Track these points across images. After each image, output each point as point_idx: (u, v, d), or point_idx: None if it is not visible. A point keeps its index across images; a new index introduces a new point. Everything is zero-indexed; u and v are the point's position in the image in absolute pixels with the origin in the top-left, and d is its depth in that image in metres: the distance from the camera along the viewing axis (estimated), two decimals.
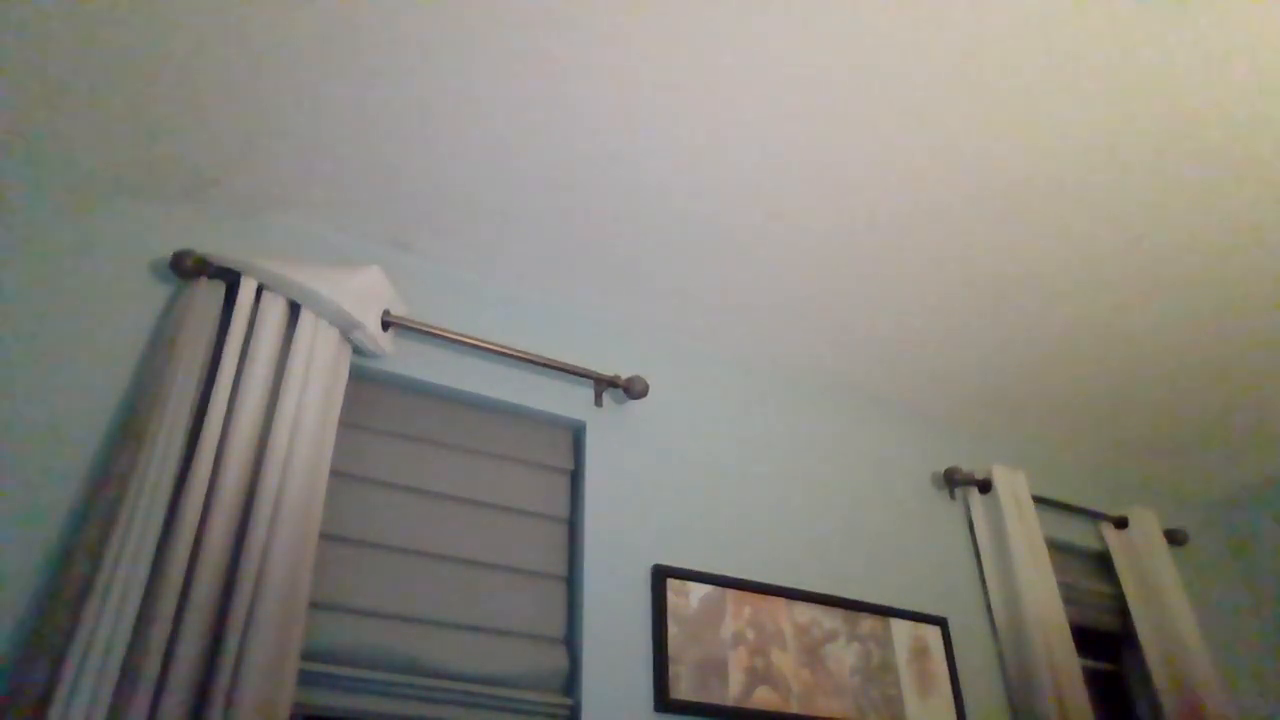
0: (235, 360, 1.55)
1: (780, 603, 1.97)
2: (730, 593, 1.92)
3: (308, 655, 1.49)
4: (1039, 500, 2.51)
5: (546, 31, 1.52)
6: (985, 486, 2.44)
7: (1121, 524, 2.65)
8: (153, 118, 1.65)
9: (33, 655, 1.22)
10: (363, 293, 1.72)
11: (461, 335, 1.88)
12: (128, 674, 1.22)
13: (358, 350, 1.76)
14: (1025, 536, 2.31)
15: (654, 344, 2.25)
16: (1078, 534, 2.62)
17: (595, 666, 1.70)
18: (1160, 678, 2.37)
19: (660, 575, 1.85)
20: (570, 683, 1.70)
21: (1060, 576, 2.47)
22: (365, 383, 1.83)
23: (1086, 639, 2.49)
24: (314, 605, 1.54)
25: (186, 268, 1.65)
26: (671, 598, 1.84)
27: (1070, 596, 2.49)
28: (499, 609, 1.72)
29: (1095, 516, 2.66)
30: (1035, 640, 2.13)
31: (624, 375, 2.14)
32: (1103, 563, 2.66)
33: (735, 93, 1.63)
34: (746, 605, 1.92)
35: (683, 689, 1.74)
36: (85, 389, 1.52)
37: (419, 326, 1.82)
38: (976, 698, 2.10)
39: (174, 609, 1.29)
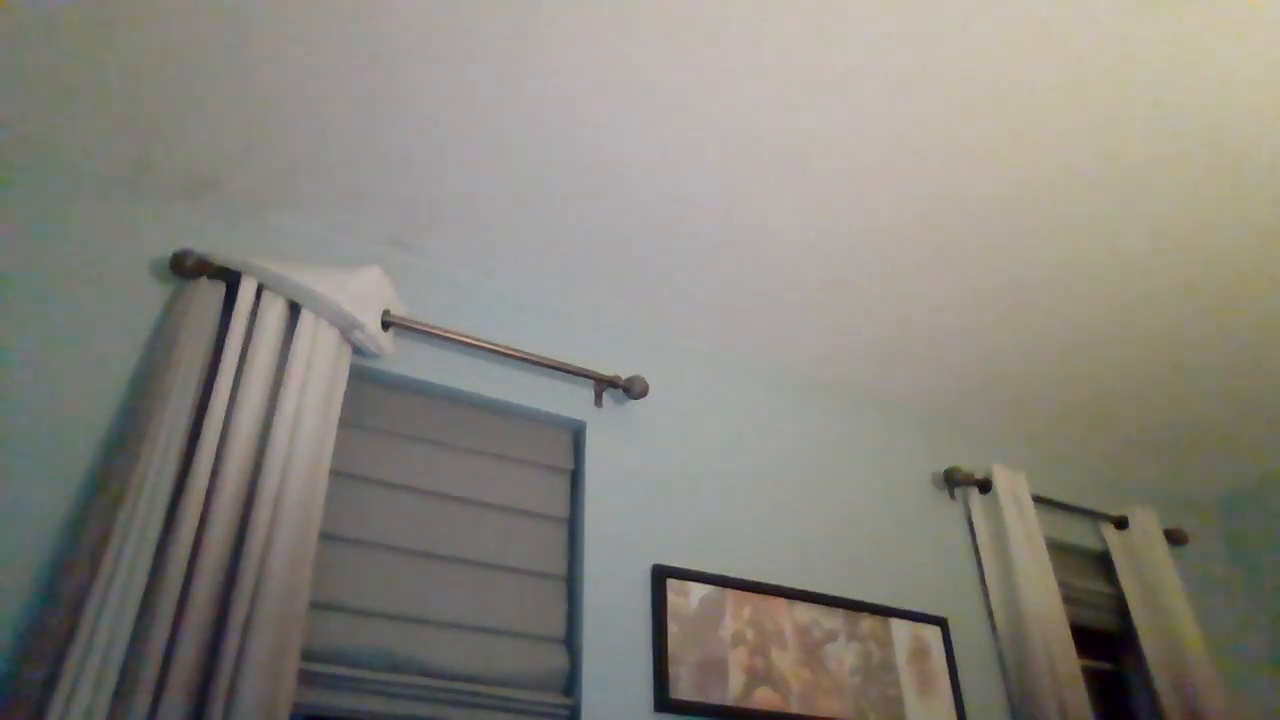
0: (235, 360, 1.55)
1: (780, 603, 1.97)
2: (730, 593, 1.92)
3: (308, 655, 1.49)
4: (1039, 500, 2.51)
5: (547, 31, 1.52)
6: (985, 486, 2.44)
7: (1121, 524, 2.65)
8: (152, 118, 1.65)
9: (33, 655, 1.22)
10: (363, 293, 1.72)
11: (461, 335, 1.88)
12: (128, 674, 1.22)
13: (358, 350, 1.76)
14: (1025, 536, 2.31)
15: (654, 344, 2.25)
16: (1078, 534, 2.62)
17: (595, 666, 1.70)
18: (1160, 678, 2.37)
19: (660, 575, 1.85)
20: (570, 683, 1.70)
21: (1060, 576, 2.47)
22: (365, 383, 1.83)
23: (1086, 639, 2.49)
24: (314, 605, 1.54)
25: (186, 268, 1.65)
26: (671, 598, 1.84)
27: (1070, 596, 2.49)
28: (499, 609, 1.72)
29: (1095, 516, 2.66)
30: (1035, 640, 2.13)
31: (624, 375, 2.13)
32: (1103, 563, 2.66)
33: (737, 93, 1.63)
34: (746, 605, 1.92)
35: (683, 689, 1.74)
36: (85, 389, 1.52)
37: (419, 326, 1.82)
38: (976, 698, 2.10)
39: (174, 609, 1.29)
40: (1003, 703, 2.13)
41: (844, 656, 1.98)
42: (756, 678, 1.84)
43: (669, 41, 1.54)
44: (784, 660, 1.89)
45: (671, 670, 1.75)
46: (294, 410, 1.54)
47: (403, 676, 1.53)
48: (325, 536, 1.62)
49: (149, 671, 1.22)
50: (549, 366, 1.96)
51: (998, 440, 2.72)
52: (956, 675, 2.08)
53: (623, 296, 2.15)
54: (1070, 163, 1.78)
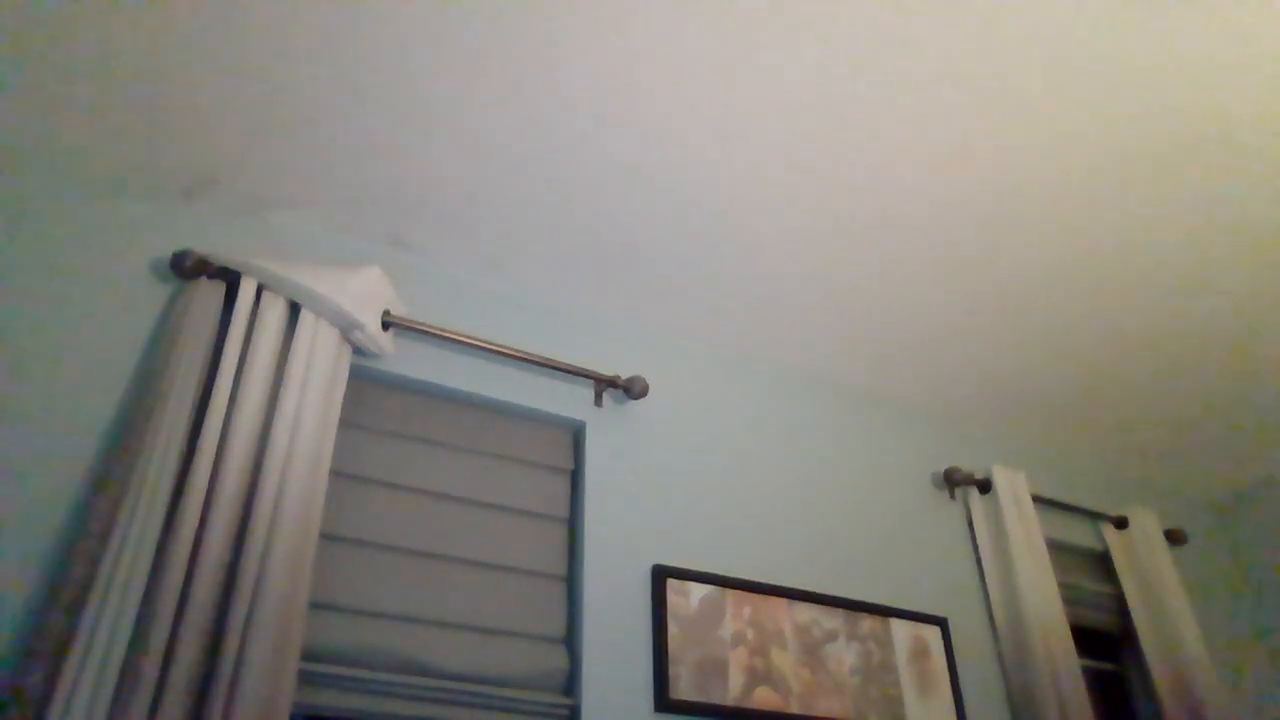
0: (235, 360, 1.55)
1: (780, 603, 1.97)
2: (730, 593, 1.92)
3: (308, 655, 1.49)
4: (1039, 500, 2.51)
5: (547, 31, 1.52)
6: (985, 486, 2.44)
7: (1121, 524, 2.65)
8: (152, 118, 1.65)
9: (33, 655, 1.22)
10: (363, 293, 1.72)
11: (461, 335, 1.88)
12: (128, 674, 1.22)
13: (358, 350, 1.76)
14: (1025, 536, 2.31)
15: (654, 344, 2.25)
16: (1078, 534, 2.62)
17: (595, 666, 1.70)
18: (1160, 678, 2.37)
19: (660, 575, 1.85)
20: (570, 683, 1.70)
21: (1060, 576, 2.47)
22: (365, 383, 1.83)
23: (1086, 639, 2.49)
24: (314, 605, 1.54)
25: (186, 268, 1.65)
26: (671, 598, 1.84)
27: (1070, 596, 2.49)
28: (499, 609, 1.72)
29: (1095, 516, 2.66)
30: (1035, 640, 2.13)
31: (624, 375, 2.13)
32: (1103, 563, 2.66)
33: (736, 93, 1.63)
34: (746, 605, 1.92)
35: (683, 689, 1.74)
36: (85, 389, 1.52)
37: (419, 326, 1.82)
38: (976, 698, 2.10)
39: (174, 609, 1.29)
40: (1003, 703, 2.13)
41: (844, 656, 1.98)
42: (756, 678, 1.84)
43: (669, 41, 1.54)
44: (784, 660, 1.89)
45: (671, 670, 1.75)
46: (294, 410, 1.54)
47: (403, 676, 1.53)
48: (325, 536, 1.62)
49: (149, 671, 1.23)
50: (549, 366, 1.96)
51: (998, 440, 2.72)
52: (956, 675, 2.08)
53: (623, 296, 2.15)
54: (1070, 163, 1.78)
